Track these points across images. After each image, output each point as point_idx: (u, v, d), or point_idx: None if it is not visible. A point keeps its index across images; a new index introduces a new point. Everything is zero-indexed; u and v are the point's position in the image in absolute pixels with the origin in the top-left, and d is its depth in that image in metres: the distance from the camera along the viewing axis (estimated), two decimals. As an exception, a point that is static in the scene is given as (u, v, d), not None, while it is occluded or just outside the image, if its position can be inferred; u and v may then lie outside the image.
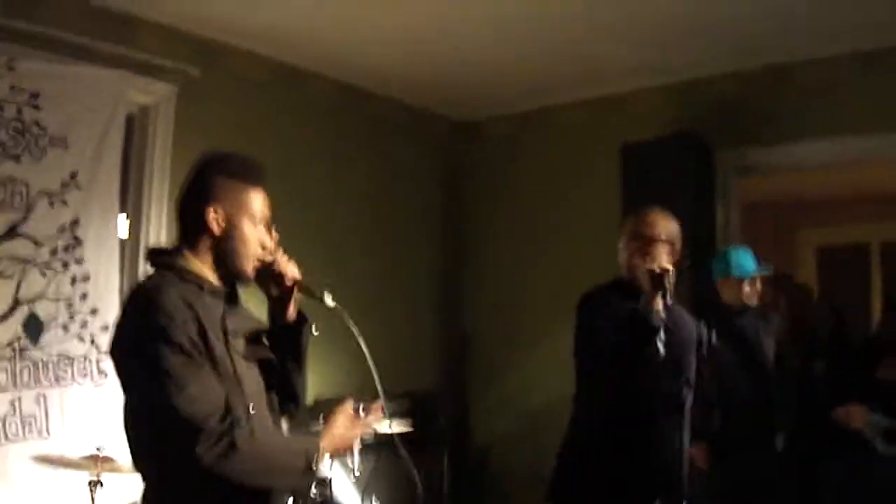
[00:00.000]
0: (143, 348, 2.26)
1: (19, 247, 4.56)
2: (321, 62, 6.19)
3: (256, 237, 2.53)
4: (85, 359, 4.77)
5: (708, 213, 6.18)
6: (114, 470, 3.82)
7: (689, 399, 3.81)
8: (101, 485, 3.76)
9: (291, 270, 2.59)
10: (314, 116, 6.32)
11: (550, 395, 6.25)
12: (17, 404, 4.48)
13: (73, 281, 4.76)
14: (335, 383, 5.44)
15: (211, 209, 2.47)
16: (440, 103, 7.24)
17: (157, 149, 5.26)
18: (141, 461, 2.44)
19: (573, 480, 3.73)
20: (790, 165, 6.36)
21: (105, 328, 4.83)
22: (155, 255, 2.58)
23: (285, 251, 2.61)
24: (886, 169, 7.83)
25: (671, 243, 3.61)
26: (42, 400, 4.59)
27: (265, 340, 2.63)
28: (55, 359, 4.66)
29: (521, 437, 6.84)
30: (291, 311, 2.64)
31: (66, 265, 4.73)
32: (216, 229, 2.47)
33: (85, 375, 4.77)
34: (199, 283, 2.43)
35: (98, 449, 3.82)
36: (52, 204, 4.69)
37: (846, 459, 5.13)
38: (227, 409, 2.27)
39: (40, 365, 4.60)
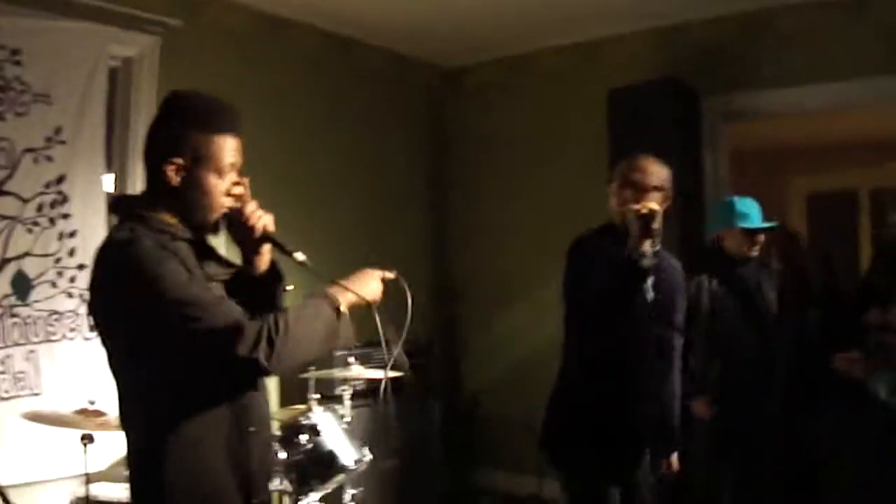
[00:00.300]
0: (139, 296, 2.24)
1: (5, 204, 4.54)
2: (304, 11, 6.14)
3: (220, 188, 2.45)
4: (74, 314, 4.77)
5: (696, 160, 6.17)
6: (105, 424, 3.83)
7: (678, 344, 3.82)
8: (93, 440, 3.76)
9: (262, 222, 2.50)
10: (298, 66, 6.29)
11: (540, 342, 6.29)
12: (8, 362, 4.50)
13: (60, 237, 4.75)
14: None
15: (170, 162, 2.38)
16: (424, 51, 7.21)
17: (142, 102, 5.21)
18: (137, 413, 2.42)
19: (562, 428, 3.74)
20: (776, 111, 6.34)
21: (94, 284, 4.84)
22: (120, 204, 2.57)
23: (263, 203, 2.54)
24: (874, 115, 7.85)
25: (662, 189, 3.59)
26: (33, 357, 4.60)
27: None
28: (44, 315, 4.66)
29: (511, 384, 6.89)
30: (262, 264, 2.58)
31: (52, 221, 4.72)
32: (175, 181, 2.40)
33: (74, 331, 4.77)
34: (171, 231, 2.39)
35: (90, 403, 3.82)
36: (36, 160, 4.66)
37: (841, 408, 5.17)
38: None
39: (30, 322, 4.60)
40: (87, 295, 4.65)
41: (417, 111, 7.41)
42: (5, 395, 4.45)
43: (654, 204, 3.38)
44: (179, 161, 2.38)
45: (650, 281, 3.42)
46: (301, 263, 2.48)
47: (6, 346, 4.50)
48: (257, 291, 2.56)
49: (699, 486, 5.01)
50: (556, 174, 6.83)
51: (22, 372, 4.54)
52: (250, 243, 2.54)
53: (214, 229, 2.50)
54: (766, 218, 4.97)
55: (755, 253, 4.96)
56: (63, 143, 4.76)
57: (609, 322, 3.49)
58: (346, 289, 2.46)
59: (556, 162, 6.86)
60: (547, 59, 7.07)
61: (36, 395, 4.56)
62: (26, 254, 4.61)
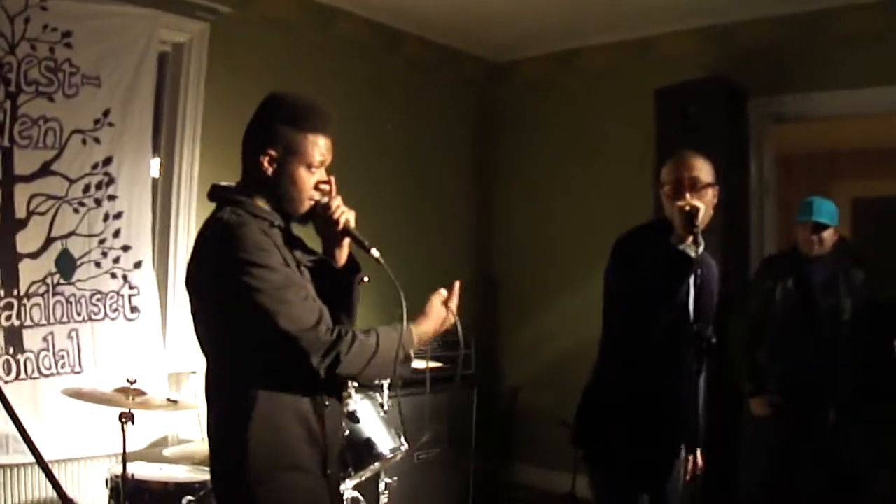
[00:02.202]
0: (239, 276, 2.42)
1: (53, 184, 4.60)
2: (354, 1, 6.17)
3: (309, 181, 2.64)
4: (117, 295, 4.82)
5: (742, 161, 6.13)
6: (145, 403, 3.86)
7: (711, 344, 3.78)
8: (133, 419, 3.79)
9: (345, 217, 2.67)
10: (346, 57, 6.29)
11: (580, 338, 6.22)
12: (50, 339, 4.55)
13: (106, 218, 4.80)
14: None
15: (265, 154, 2.60)
16: (473, 44, 7.21)
17: (190, 87, 5.28)
18: (223, 385, 2.64)
19: (596, 426, 3.71)
20: (825, 113, 6.27)
21: (138, 265, 4.90)
22: (221, 192, 2.71)
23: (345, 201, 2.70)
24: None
25: (710, 185, 3.57)
26: (74, 335, 4.65)
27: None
28: (87, 294, 4.71)
29: (550, 379, 6.87)
30: (341, 257, 2.76)
31: (98, 202, 4.77)
32: (269, 171, 2.61)
33: (116, 311, 4.82)
34: (270, 218, 2.60)
35: (130, 382, 3.85)
36: (84, 142, 4.72)
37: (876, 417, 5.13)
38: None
39: (73, 301, 4.66)
40: (130, 276, 4.76)
41: (465, 104, 7.41)
42: (46, 373, 4.51)
43: (697, 201, 3.36)
44: (273, 153, 2.60)
45: (692, 278, 3.39)
46: (376, 260, 2.62)
47: (49, 324, 4.55)
48: (336, 281, 2.74)
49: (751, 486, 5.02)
50: (602, 171, 6.81)
51: (63, 350, 4.59)
52: (332, 236, 2.72)
53: (302, 220, 2.70)
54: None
55: (816, 250, 4.97)
56: (111, 125, 4.80)
57: (649, 317, 3.47)
58: (428, 325, 2.71)
59: (601, 159, 6.83)
60: (595, 55, 7.04)
61: (77, 373, 4.61)
62: (72, 233, 4.66)
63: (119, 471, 3.81)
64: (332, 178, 2.70)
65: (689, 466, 3.69)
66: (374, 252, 2.62)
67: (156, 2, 4.95)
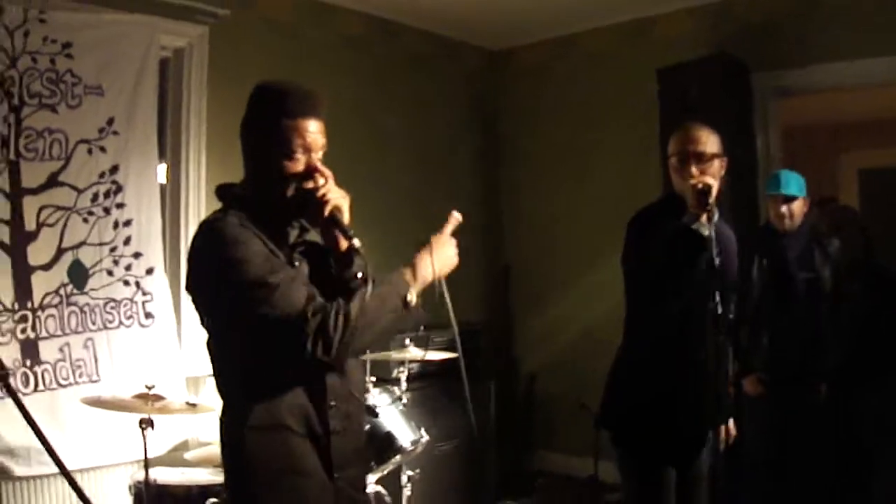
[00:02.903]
0: (219, 274, 2.41)
1: (61, 195, 4.62)
2: (349, -3, 6.17)
3: (290, 168, 2.53)
4: (130, 301, 4.84)
5: (748, 137, 6.12)
6: (164, 409, 3.87)
7: (730, 317, 3.78)
8: (152, 424, 3.80)
9: (330, 204, 2.52)
10: (346, 53, 6.31)
11: (594, 322, 6.28)
12: (66, 350, 4.57)
13: (116, 226, 4.82)
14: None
15: (246, 145, 2.60)
16: (470, 34, 7.22)
17: (193, 91, 5.30)
18: (223, 388, 2.62)
19: (625, 405, 3.71)
20: (827, 85, 6.24)
21: (150, 271, 4.91)
22: (221, 190, 2.69)
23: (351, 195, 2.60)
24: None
25: (720, 156, 3.57)
26: (90, 344, 4.67)
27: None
28: (101, 303, 4.73)
29: (566, 365, 6.88)
30: (341, 243, 2.59)
31: (107, 211, 4.78)
32: (252, 164, 2.60)
33: (131, 318, 4.84)
34: (256, 207, 2.53)
35: (148, 387, 3.86)
36: (90, 151, 4.73)
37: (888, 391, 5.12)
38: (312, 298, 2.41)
39: (87, 310, 4.68)
40: (143, 283, 4.78)
41: (466, 94, 7.41)
42: (64, 383, 4.53)
43: (709, 178, 3.36)
44: (252, 143, 2.58)
45: (714, 249, 3.40)
46: (356, 250, 2.51)
47: (65, 335, 4.57)
48: (340, 268, 2.62)
49: (749, 465, 5.00)
50: (607, 155, 6.81)
51: (80, 359, 4.62)
52: (319, 223, 2.60)
53: (294, 210, 2.59)
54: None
55: (788, 224, 4.94)
56: (116, 133, 4.82)
57: (670, 293, 3.48)
58: (421, 266, 2.59)
59: (606, 142, 6.83)
60: (594, 39, 7.03)
61: (94, 381, 4.64)
62: (82, 243, 4.68)
63: (141, 477, 3.82)
64: (324, 169, 2.59)
65: (723, 436, 3.69)
66: (356, 242, 2.49)
67: (154, 8, 4.96)
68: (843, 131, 9.72)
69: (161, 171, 5.19)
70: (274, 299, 2.34)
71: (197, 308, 2.56)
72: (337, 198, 2.55)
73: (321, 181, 2.56)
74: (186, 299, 5.12)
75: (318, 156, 2.60)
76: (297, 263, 2.55)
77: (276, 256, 2.47)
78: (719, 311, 3.53)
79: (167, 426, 4.48)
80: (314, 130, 2.58)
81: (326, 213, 2.53)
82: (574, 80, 7.14)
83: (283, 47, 5.79)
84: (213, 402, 4.51)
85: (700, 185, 3.31)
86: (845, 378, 5.02)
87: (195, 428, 4.94)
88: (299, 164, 2.55)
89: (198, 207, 5.29)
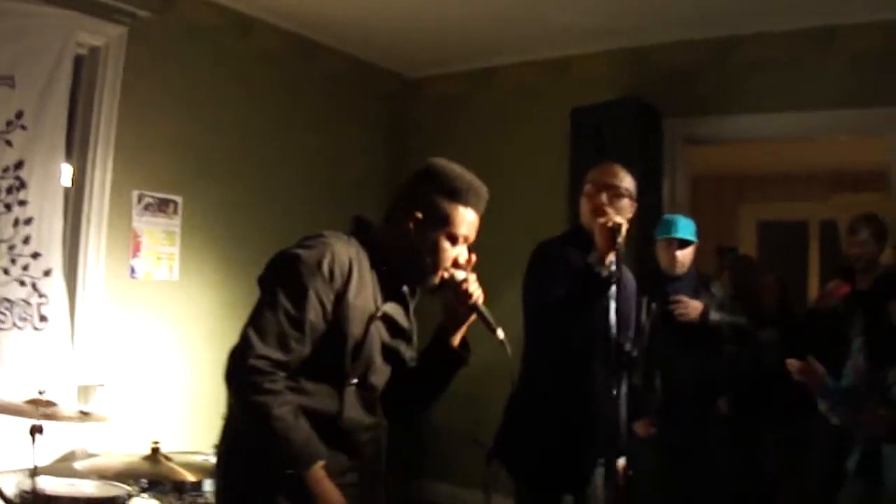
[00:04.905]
0: (293, 270, 2.47)
1: (-40, 187, 4.46)
2: (273, 12, 6.11)
3: (450, 253, 2.66)
4: (26, 303, 4.68)
5: (655, 181, 6.21)
6: (55, 415, 3.74)
7: (632, 355, 3.83)
8: (42, 431, 3.67)
9: (478, 293, 2.69)
10: (263, 65, 6.24)
11: (490, 354, 6.24)
12: (-45, 349, 4.40)
13: (16, 223, 4.66)
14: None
15: (412, 216, 2.65)
16: (389, 59, 7.20)
17: (105, 92, 5.15)
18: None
19: (520, 435, 3.72)
20: (738, 136, 6.41)
21: (47, 273, 4.76)
22: (358, 221, 2.79)
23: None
24: (829, 147, 7.96)
25: (631, 196, 3.63)
26: (-19, 345, 4.51)
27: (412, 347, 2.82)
28: (-6, 302, 4.57)
29: (460, 396, 6.80)
30: (458, 335, 2.77)
31: (8, 207, 4.63)
32: (412, 235, 2.64)
33: (25, 320, 4.68)
34: (380, 261, 2.64)
35: (40, 392, 3.74)
36: (-5, 144, 4.58)
37: (789, 427, 5.21)
38: (288, 366, 2.43)
39: (-21, 308, 4.52)
40: (40, 284, 4.65)
41: (378, 118, 7.38)
42: (-48, 383, 4.36)
43: (619, 218, 3.41)
44: (419, 216, 2.64)
45: (613, 291, 3.44)
46: (501, 342, 2.65)
47: (-46, 333, 4.41)
48: (439, 357, 2.80)
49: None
50: (516, 189, 6.80)
51: (-31, 360, 4.45)
52: (460, 309, 2.71)
53: (432, 289, 2.71)
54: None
55: (679, 269, 4.99)
56: (24, 128, 4.67)
57: (569, 329, 3.51)
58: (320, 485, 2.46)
59: (516, 177, 6.84)
60: (511, 74, 7.07)
61: (-17, 384, 4.47)
62: (-21, 238, 4.52)
63: (28, 486, 3.68)
64: (473, 256, 2.72)
65: (619, 473, 3.72)
66: (500, 333, 2.63)
67: (74, 3, 4.84)
68: (745, 183, 9.97)
69: (66, 171, 5.05)
70: (263, 326, 2.40)
71: None
72: (480, 293, 2.70)
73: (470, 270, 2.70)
74: (82, 304, 5.03)
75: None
76: (379, 313, 2.61)
77: (344, 297, 2.50)
78: (626, 347, 3.60)
79: (55, 435, 4.34)
80: (476, 226, 2.74)
81: (473, 300, 2.67)
82: (488, 114, 7.16)
83: (202, 55, 5.70)
84: (106, 413, 4.41)
85: (610, 224, 3.35)
86: (747, 416, 5.08)
87: (84, 438, 4.80)
88: (456, 252, 2.67)
89: (101, 211, 5.14)
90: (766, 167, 9.37)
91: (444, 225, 2.64)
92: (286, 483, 2.42)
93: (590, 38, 6.42)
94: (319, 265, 2.46)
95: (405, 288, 2.77)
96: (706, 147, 6.76)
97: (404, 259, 2.67)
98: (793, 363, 4.07)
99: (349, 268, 2.53)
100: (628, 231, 3.44)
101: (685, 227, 4.99)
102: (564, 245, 3.70)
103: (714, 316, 4.93)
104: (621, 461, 3.78)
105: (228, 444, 2.62)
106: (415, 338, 2.86)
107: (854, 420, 3.98)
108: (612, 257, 3.36)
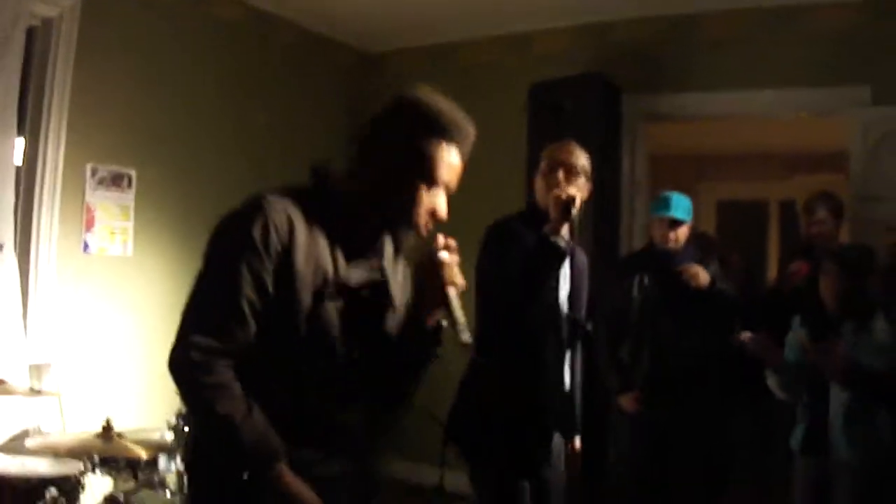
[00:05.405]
0: (220, 241, 2.20)
1: None
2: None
3: (426, 200, 2.31)
4: (-24, 281, 4.61)
5: (615, 159, 6.20)
6: (6, 391, 3.70)
7: (583, 333, 3.81)
8: (-7, 408, 3.63)
9: (459, 278, 2.28)
10: (217, 37, 6.14)
11: (448, 334, 6.24)
12: None
13: (-35, 201, 4.57)
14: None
15: (384, 159, 2.30)
16: (347, 33, 7.14)
17: (59, 65, 5.03)
18: None
19: (472, 418, 3.70)
20: (698, 114, 6.42)
21: (-1, 249, 4.68)
22: (314, 172, 2.44)
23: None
24: (788, 128, 7.99)
25: (586, 174, 3.63)
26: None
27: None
28: (-56, 279, 4.49)
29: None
30: (432, 319, 2.31)
31: (-44, 184, 4.54)
32: (382, 178, 2.30)
33: (-28, 300, 4.60)
34: (341, 212, 2.29)
35: (-10, 370, 3.69)
36: (-57, 117, 4.49)
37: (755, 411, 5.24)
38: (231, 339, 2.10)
39: (-73, 285, 4.43)
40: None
41: (336, 93, 7.28)
42: None
43: (573, 190, 3.40)
44: (392, 159, 2.29)
45: (566, 267, 3.44)
46: (464, 344, 2.22)
47: None
48: (407, 343, 2.35)
49: (624, 481, 5.05)
50: (475, 166, 6.77)
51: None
52: (430, 293, 2.27)
53: (417, 234, 2.36)
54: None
55: (672, 245, 4.97)
56: (-27, 102, 4.58)
57: (521, 308, 3.49)
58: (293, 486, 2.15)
59: (475, 154, 6.81)
60: (471, 49, 7.03)
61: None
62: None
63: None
64: (452, 241, 2.33)
65: (570, 452, 3.72)
66: (466, 336, 2.20)
67: (25, -28, 4.74)
68: (705, 162, 10.01)
69: (18, 146, 4.96)
70: (200, 306, 2.14)
71: None
72: (459, 276, 2.29)
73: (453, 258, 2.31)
74: (34, 280, 4.95)
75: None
76: (330, 287, 2.22)
77: (291, 266, 2.15)
78: (581, 322, 3.59)
79: (7, 414, 4.28)
80: (458, 170, 2.39)
81: (447, 284, 2.25)
82: (446, 90, 7.09)
83: (157, 27, 5.61)
84: (57, 390, 4.36)
85: (563, 196, 3.35)
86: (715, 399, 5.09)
87: (36, 417, 4.73)
88: (434, 200, 2.34)
89: (53, 186, 5.04)
90: (725, 147, 9.43)
91: (421, 169, 2.28)
92: (250, 488, 2.11)
93: (551, 14, 6.40)
94: (250, 232, 2.11)
95: (387, 237, 2.41)
96: (666, 125, 6.76)
97: (373, 210, 2.30)
98: (748, 335, 4.09)
99: (289, 230, 2.15)
100: (583, 209, 3.44)
101: (678, 206, 4.97)
102: (519, 224, 3.68)
103: (721, 285, 4.93)
104: (577, 441, 3.80)
105: (191, 451, 2.40)
106: (401, 295, 2.43)
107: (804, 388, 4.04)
108: (566, 230, 3.36)
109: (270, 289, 2.13)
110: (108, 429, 3.74)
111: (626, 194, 6.31)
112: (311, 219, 2.22)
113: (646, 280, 4.91)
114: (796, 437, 4.09)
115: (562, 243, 3.33)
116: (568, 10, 6.27)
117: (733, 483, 5.40)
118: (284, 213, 2.18)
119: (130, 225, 5.45)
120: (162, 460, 3.99)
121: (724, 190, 10.04)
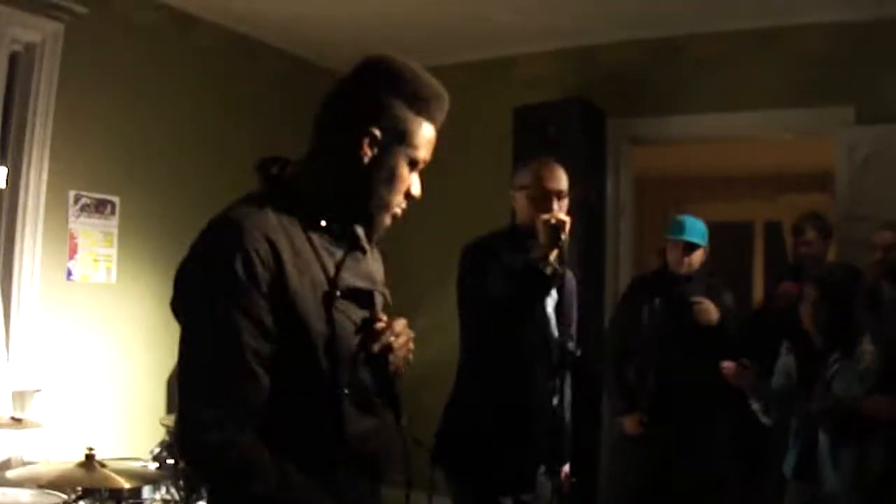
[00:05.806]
0: (201, 290, 1.89)
1: None
2: (211, 9, 6.00)
3: (406, 182, 2.08)
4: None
5: (599, 182, 6.20)
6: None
7: (573, 356, 3.78)
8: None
9: (399, 358, 2.13)
10: (202, 64, 6.13)
11: (433, 353, 6.18)
12: None
13: (-54, 227, 4.54)
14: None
15: (367, 133, 2.00)
16: (329, 58, 7.09)
17: (41, 90, 4.99)
18: None
19: (458, 439, 3.67)
20: (681, 136, 6.43)
21: (-20, 279, 4.64)
22: (262, 168, 2.18)
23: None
24: (773, 149, 8.01)
25: (568, 198, 3.61)
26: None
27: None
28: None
29: (405, 399, 6.78)
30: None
31: (-62, 210, 4.50)
32: (366, 160, 2.02)
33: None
34: (311, 213, 2.01)
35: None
36: (-75, 144, 4.46)
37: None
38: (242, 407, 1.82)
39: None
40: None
41: (317, 119, 7.26)
42: None
43: (563, 215, 3.39)
44: (377, 133, 2.00)
45: (553, 293, 3.42)
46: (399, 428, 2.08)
47: None
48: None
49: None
50: (458, 189, 6.77)
51: None
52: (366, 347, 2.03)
53: (378, 226, 2.14)
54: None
55: (685, 269, 4.96)
56: (-45, 127, 4.55)
57: (506, 330, 3.46)
58: None
59: (458, 177, 6.79)
60: (454, 74, 6.94)
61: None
62: None
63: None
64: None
65: (562, 479, 3.69)
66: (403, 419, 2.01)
67: (9, -1, 4.72)
68: (690, 184, 10.02)
69: (1, 172, 4.92)
70: (200, 377, 1.84)
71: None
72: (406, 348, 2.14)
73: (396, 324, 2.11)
74: (18, 310, 4.90)
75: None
76: (338, 292, 1.98)
77: (285, 288, 1.87)
78: (570, 347, 3.56)
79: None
80: (433, 143, 2.11)
81: (392, 367, 2.10)
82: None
83: (140, 53, 5.59)
84: (39, 419, 4.31)
85: (554, 221, 3.33)
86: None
87: (19, 446, 4.68)
88: (411, 181, 2.11)
89: (36, 212, 4.99)
90: (710, 168, 9.44)
91: (405, 144, 2.02)
92: None
93: (534, 38, 6.40)
94: (232, 270, 1.81)
95: (358, 229, 2.14)
96: (651, 148, 6.77)
97: (340, 198, 2.05)
98: (727, 366, 4.09)
99: (273, 252, 1.86)
100: (570, 227, 3.42)
101: (693, 230, 4.96)
102: (500, 243, 3.65)
103: (728, 322, 4.94)
104: (566, 468, 3.76)
105: None
106: (384, 291, 2.30)
107: (792, 416, 4.02)
108: (555, 255, 3.34)
109: (272, 326, 1.85)
110: (90, 458, 3.69)
111: (612, 217, 6.31)
112: (286, 228, 1.94)
113: (657, 303, 4.90)
114: (788, 463, 4.07)
115: (549, 271, 3.31)
116: (551, 33, 6.27)
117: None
118: (262, 234, 1.87)
119: (114, 252, 5.41)
120: (146, 490, 3.95)
121: (709, 211, 10.01)
